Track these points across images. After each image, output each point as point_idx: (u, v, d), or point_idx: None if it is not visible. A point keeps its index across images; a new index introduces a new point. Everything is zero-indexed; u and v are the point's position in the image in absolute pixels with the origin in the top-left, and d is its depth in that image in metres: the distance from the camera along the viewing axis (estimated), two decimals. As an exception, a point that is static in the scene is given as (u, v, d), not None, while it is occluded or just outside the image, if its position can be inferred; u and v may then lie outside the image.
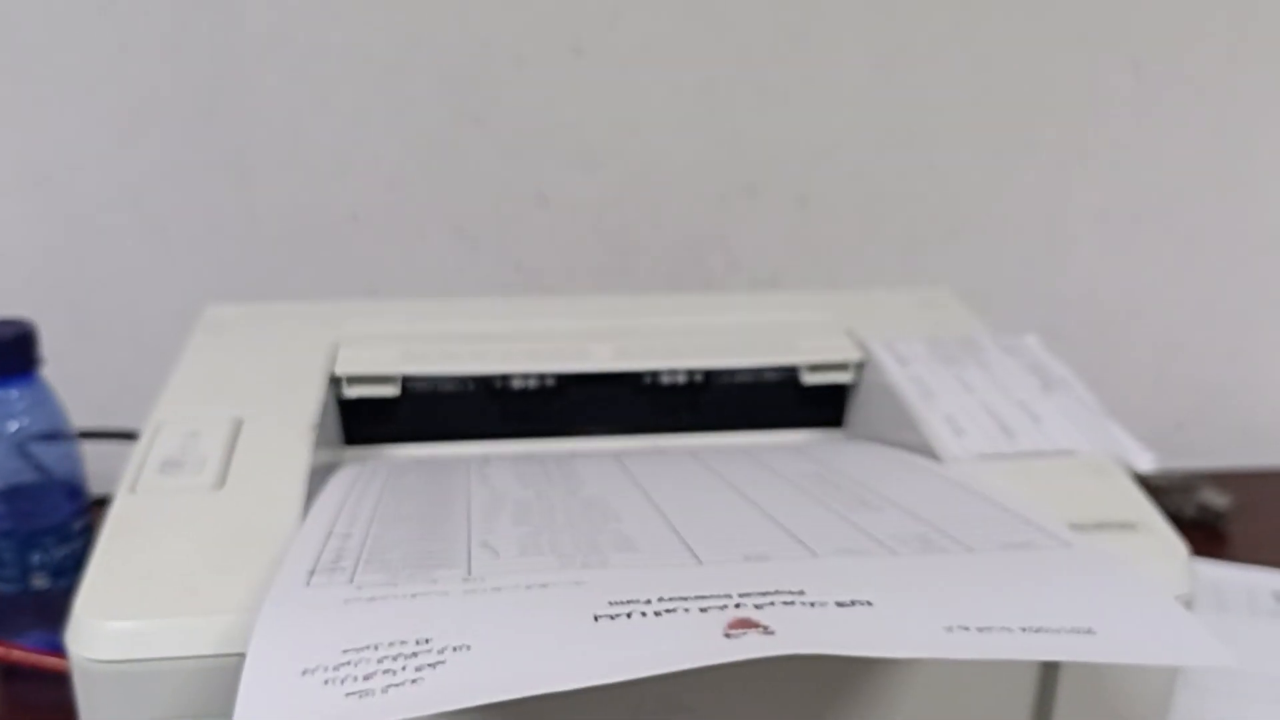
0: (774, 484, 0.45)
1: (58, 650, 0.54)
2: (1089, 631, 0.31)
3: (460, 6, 0.76)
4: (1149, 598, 0.34)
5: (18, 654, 0.56)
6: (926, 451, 0.48)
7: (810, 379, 0.55)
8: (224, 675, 0.34)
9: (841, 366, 0.55)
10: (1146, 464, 0.48)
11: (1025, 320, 0.69)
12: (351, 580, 0.35)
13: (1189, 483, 0.77)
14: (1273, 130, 0.84)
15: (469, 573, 0.36)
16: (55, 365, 0.60)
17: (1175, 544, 0.42)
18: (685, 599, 0.32)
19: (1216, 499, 0.75)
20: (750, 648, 0.30)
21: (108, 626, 0.35)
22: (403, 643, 0.31)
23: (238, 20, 0.74)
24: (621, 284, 0.82)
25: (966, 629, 0.31)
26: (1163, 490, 0.74)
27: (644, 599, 0.32)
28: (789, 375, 0.55)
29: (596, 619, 0.32)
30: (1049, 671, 0.40)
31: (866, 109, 0.81)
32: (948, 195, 0.83)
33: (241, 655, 0.31)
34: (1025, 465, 0.47)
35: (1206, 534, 0.75)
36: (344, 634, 0.31)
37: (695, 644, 0.30)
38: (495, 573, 0.36)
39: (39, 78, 0.74)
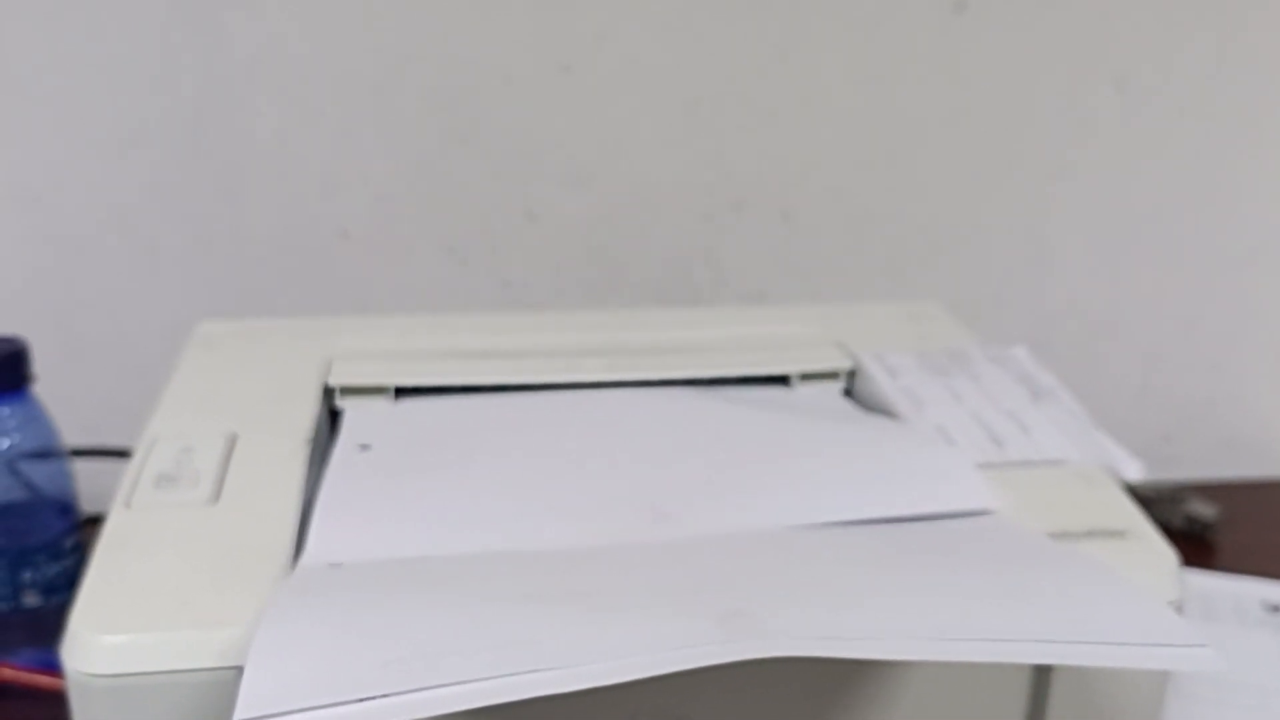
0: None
1: (50, 668, 0.54)
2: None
3: (449, 25, 0.76)
4: (1141, 603, 0.34)
5: (9, 672, 0.55)
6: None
7: (802, 389, 0.55)
8: (221, 689, 0.34)
9: (833, 375, 0.55)
10: (1135, 473, 0.48)
11: (1009, 334, 0.69)
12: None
13: (1177, 494, 0.77)
14: (1255, 144, 0.85)
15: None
16: (46, 383, 0.60)
17: (1165, 552, 0.43)
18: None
19: (1204, 510, 0.76)
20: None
21: (104, 640, 0.35)
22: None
23: (227, 40, 0.74)
24: (609, 300, 0.82)
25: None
26: (1150, 501, 0.75)
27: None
28: (780, 385, 0.55)
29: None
30: (1041, 677, 0.40)
31: (851, 125, 0.81)
32: (932, 210, 0.84)
33: (239, 668, 0.32)
34: (1015, 475, 0.47)
35: (1194, 545, 0.75)
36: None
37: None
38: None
39: (28, 97, 0.74)
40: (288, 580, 0.37)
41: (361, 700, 0.29)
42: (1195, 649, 0.32)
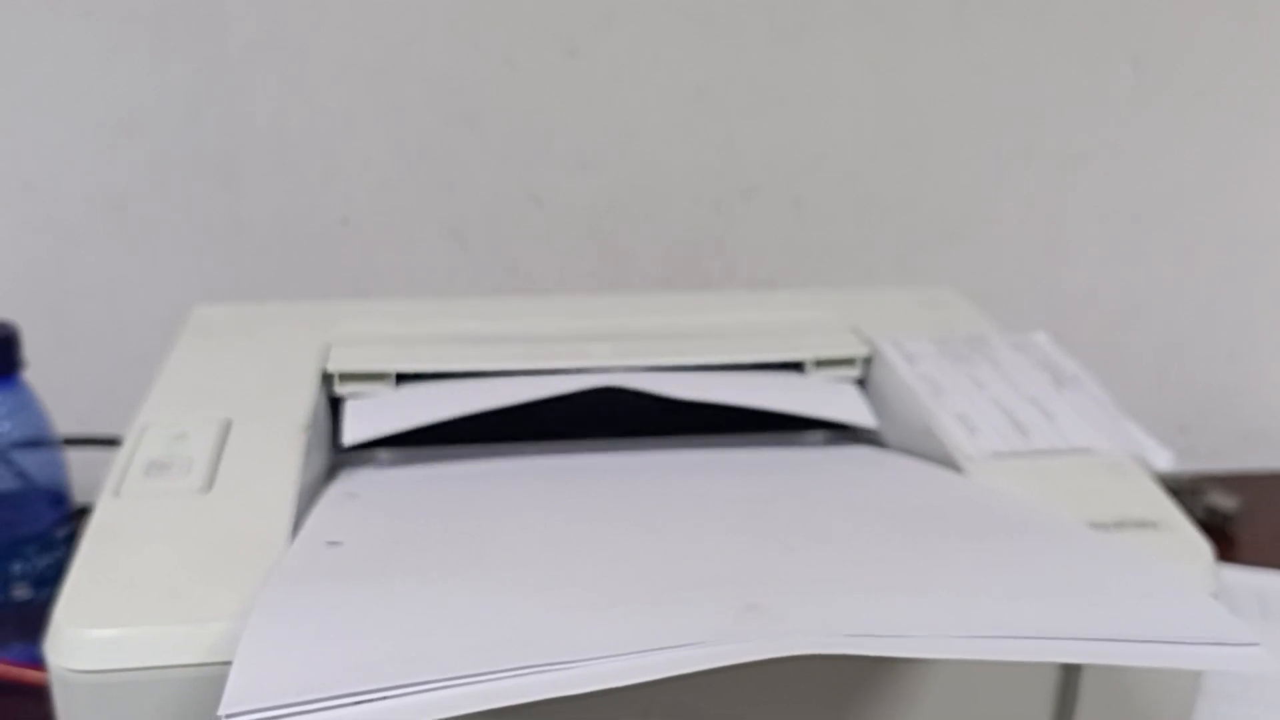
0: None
1: (40, 664, 0.52)
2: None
3: (453, 7, 0.75)
4: (1185, 598, 0.33)
5: (-2, 668, 0.54)
6: (940, 451, 0.47)
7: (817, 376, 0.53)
8: (211, 685, 0.32)
9: (849, 362, 0.53)
10: (1164, 462, 0.47)
11: (1025, 323, 0.68)
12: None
13: (1196, 485, 0.76)
14: (1273, 131, 0.83)
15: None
16: (38, 371, 0.59)
17: (1199, 543, 0.41)
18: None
19: (1224, 501, 0.75)
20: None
21: (89, 635, 0.34)
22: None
23: (225, 22, 0.73)
24: (616, 287, 0.81)
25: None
26: (1170, 492, 0.73)
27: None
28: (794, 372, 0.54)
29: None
30: (1071, 672, 0.38)
31: (862, 110, 0.80)
32: (945, 197, 0.82)
33: (229, 664, 0.30)
34: (1041, 463, 0.45)
35: (1214, 537, 0.73)
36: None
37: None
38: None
39: (23, 82, 0.73)
40: (281, 567, 0.35)
41: (357, 701, 0.27)
42: (1247, 648, 0.30)
